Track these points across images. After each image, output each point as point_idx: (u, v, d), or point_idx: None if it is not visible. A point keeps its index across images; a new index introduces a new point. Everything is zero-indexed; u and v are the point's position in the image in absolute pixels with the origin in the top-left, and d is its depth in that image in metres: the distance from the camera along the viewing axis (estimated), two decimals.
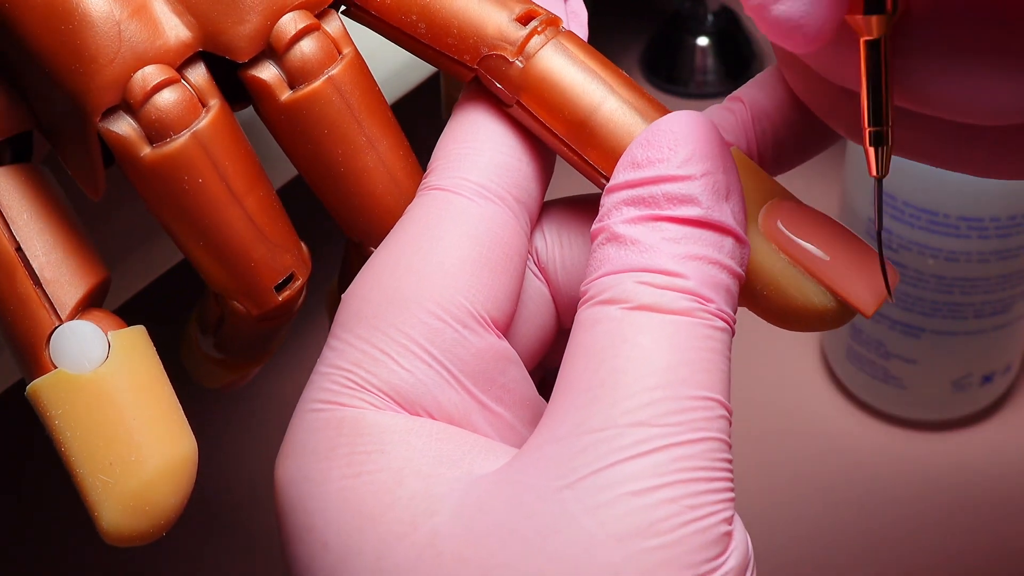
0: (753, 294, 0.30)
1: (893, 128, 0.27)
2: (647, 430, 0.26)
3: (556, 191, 0.32)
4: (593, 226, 0.29)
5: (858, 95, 0.27)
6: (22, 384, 0.30)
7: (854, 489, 0.61)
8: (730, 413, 0.27)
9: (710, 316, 0.27)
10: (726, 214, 0.28)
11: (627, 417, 0.26)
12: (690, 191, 0.28)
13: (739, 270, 0.28)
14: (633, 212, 0.28)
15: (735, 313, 0.28)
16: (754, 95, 0.32)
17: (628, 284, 0.27)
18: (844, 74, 0.28)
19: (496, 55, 0.31)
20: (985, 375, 0.61)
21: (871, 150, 0.28)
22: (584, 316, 0.28)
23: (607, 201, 0.29)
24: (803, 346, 0.67)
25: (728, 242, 0.28)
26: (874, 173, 0.28)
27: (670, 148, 0.28)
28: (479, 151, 0.31)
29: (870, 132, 0.28)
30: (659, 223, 0.28)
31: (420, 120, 0.41)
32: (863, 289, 0.30)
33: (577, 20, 0.33)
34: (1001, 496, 0.60)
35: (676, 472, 0.26)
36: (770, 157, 0.33)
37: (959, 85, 0.26)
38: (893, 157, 0.55)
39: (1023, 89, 0.26)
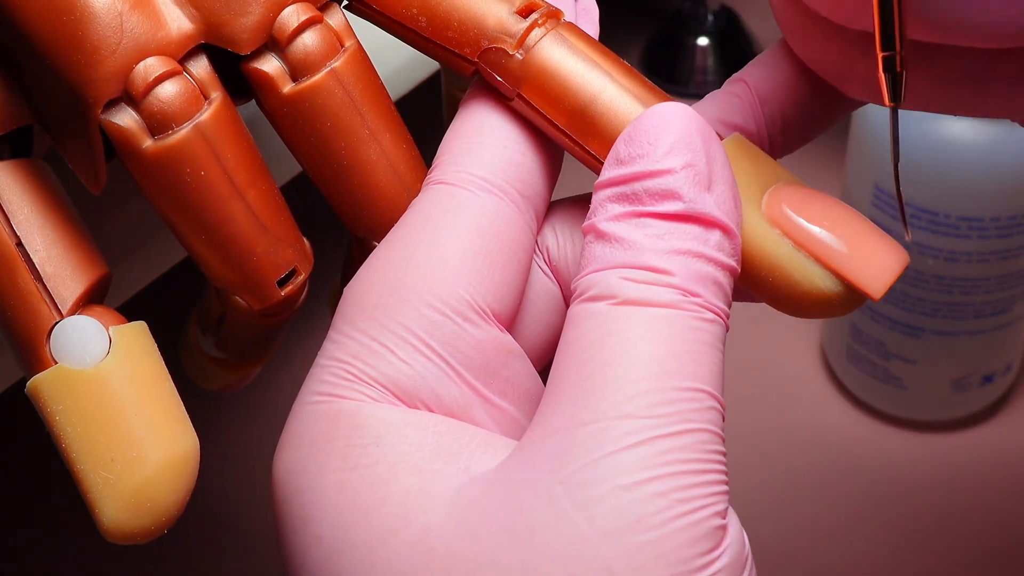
0: (758, 280, 0.30)
1: (907, 53, 0.28)
2: (635, 422, 0.26)
3: (569, 189, 0.32)
4: (584, 223, 0.29)
5: (863, 46, 0.28)
6: (22, 383, 0.30)
7: (854, 489, 0.61)
8: (722, 406, 0.27)
9: (698, 308, 0.27)
10: (709, 205, 0.28)
11: (615, 410, 0.26)
12: (670, 185, 0.28)
13: (728, 261, 0.28)
14: (617, 209, 0.28)
15: (728, 306, 0.28)
16: (758, 75, 0.32)
17: (613, 280, 0.27)
18: (839, 7, 0.28)
19: (496, 48, 0.31)
20: (985, 375, 0.61)
21: (884, 76, 0.28)
22: (572, 313, 0.28)
23: (595, 198, 0.29)
24: (803, 346, 0.67)
25: (714, 234, 0.28)
26: (887, 101, 0.28)
27: (650, 143, 0.28)
28: (483, 145, 0.30)
29: (883, 57, 0.28)
30: (642, 219, 0.28)
31: (422, 118, 0.41)
32: (871, 273, 0.29)
33: (588, 17, 0.33)
34: (1001, 496, 0.60)
35: (665, 465, 0.25)
36: (778, 137, 0.33)
37: (974, 2, 0.26)
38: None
39: None
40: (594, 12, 0.33)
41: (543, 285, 0.32)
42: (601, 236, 0.28)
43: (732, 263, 0.28)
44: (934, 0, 0.27)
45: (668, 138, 0.28)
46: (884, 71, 0.28)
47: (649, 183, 0.28)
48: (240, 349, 0.37)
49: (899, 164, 0.30)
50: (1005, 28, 0.27)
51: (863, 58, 0.29)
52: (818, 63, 0.31)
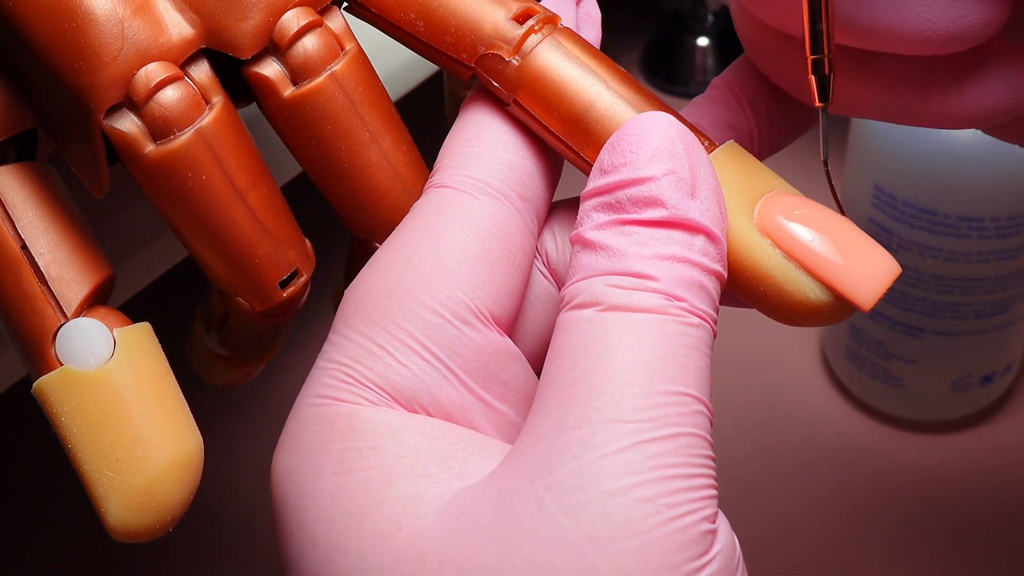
0: (749, 289, 0.30)
1: (835, 56, 0.29)
2: (620, 427, 0.26)
3: (570, 192, 0.32)
4: (571, 234, 0.29)
5: (796, 44, 0.29)
6: (27, 380, 0.31)
7: (854, 489, 0.61)
8: (710, 410, 0.27)
9: (683, 313, 0.27)
10: (693, 211, 0.28)
11: (600, 415, 0.26)
12: (653, 192, 0.28)
13: (713, 266, 0.28)
14: (602, 217, 0.28)
15: (715, 311, 0.28)
16: (740, 76, 0.33)
17: (599, 287, 0.27)
18: (785, 18, 0.29)
19: (492, 54, 0.31)
20: (985, 375, 0.61)
21: (813, 78, 0.30)
22: (560, 321, 0.28)
23: (581, 208, 0.29)
24: (803, 346, 0.67)
25: (699, 240, 0.28)
26: (817, 102, 0.30)
27: (632, 152, 0.28)
28: (483, 149, 0.31)
29: (812, 60, 0.29)
30: (627, 227, 0.28)
31: (423, 119, 0.42)
32: (861, 284, 0.29)
33: (590, 22, 0.33)
34: (1001, 496, 0.60)
35: (651, 470, 0.25)
36: (767, 135, 0.33)
37: (892, 9, 0.28)
38: (894, 161, 0.55)
39: (950, 10, 0.27)
40: (596, 17, 0.33)
41: (543, 288, 0.32)
42: (587, 245, 0.28)
43: (718, 268, 0.28)
44: (859, 7, 0.28)
45: (650, 146, 0.28)
46: (813, 73, 0.29)
47: (632, 191, 0.28)
48: (244, 347, 0.37)
49: (828, 161, 0.31)
50: (925, 35, 0.28)
51: (791, 51, 0.30)
52: (776, 75, 0.32)
